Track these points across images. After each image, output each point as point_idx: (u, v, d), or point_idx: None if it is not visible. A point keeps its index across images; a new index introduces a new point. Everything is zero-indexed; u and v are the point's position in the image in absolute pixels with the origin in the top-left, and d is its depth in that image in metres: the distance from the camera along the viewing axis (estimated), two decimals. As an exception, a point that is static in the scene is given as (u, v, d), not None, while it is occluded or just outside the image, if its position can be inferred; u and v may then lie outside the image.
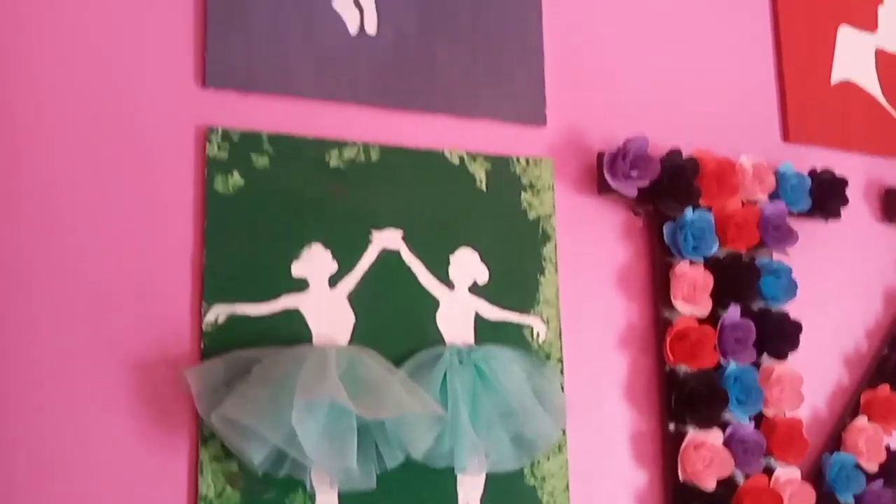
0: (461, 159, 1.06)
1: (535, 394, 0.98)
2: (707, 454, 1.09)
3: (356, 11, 1.02)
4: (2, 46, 0.85)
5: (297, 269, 0.94)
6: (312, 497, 0.89)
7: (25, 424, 0.80)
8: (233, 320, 0.90)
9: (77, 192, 0.86)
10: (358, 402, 0.81)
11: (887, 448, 1.27)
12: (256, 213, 0.93)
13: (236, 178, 0.92)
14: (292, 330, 0.92)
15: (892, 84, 1.46)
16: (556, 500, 1.03)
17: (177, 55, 0.92)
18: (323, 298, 0.94)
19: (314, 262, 0.95)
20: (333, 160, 0.98)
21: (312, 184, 0.96)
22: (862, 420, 1.27)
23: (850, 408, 1.30)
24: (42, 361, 0.82)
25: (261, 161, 0.94)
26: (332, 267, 0.96)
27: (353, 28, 1.02)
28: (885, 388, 1.30)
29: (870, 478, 1.24)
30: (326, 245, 0.96)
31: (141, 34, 0.91)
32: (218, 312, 0.89)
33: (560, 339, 1.08)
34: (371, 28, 1.02)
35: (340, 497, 0.90)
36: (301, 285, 0.94)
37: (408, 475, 0.92)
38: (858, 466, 1.23)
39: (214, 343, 0.88)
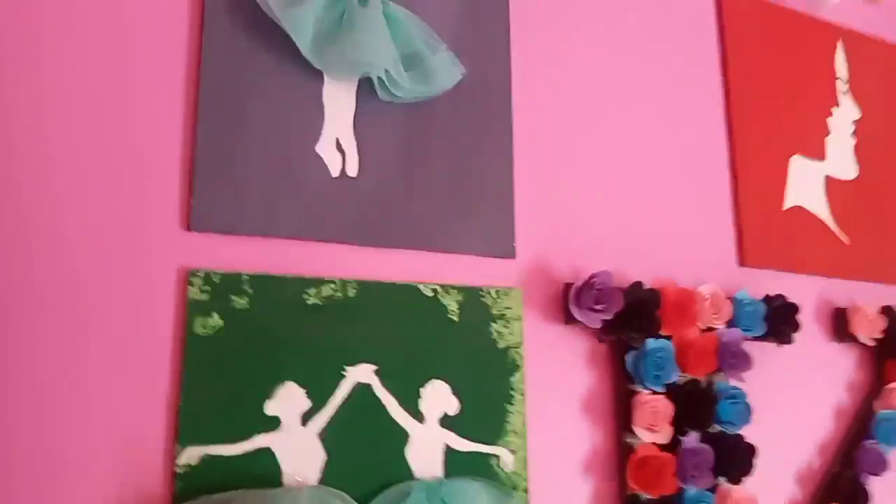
0: (434, 291, 1.10)
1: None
2: (667, 582, 1.12)
3: (338, 155, 1.07)
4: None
5: (271, 408, 0.96)
6: None
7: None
8: (206, 461, 0.91)
9: (59, 334, 0.88)
10: None
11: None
12: (233, 353, 0.95)
13: (215, 320, 0.95)
14: (264, 469, 0.94)
15: (840, 209, 1.56)
16: None
17: (163, 199, 0.96)
18: (294, 437, 0.96)
19: (287, 400, 0.97)
20: (311, 298, 1.01)
21: (290, 322, 0.99)
22: (815, 538, 1.31)
23: (804, 526, 1.35)
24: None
25: (240, 302, 0.97)
26: (305, 404, 0.98)
27: (334, 170, 1.06)
28: (835, 507, 1.35)
29: None
30: (301, 383, 0.98)
31: (129, 179, 0.95)
32: (191, 454, 0.90)
33: (526, 468, 1.11)
34: (352, 170, 1.07)
35: None
36: (274, 424, 0.96)
37: None
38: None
39: (187, 485, 0.89)
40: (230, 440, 0.93)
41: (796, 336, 1.37)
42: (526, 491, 1.10)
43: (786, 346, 1.38)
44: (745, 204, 1.44)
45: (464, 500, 1.01)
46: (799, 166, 1.53)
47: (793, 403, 1.40)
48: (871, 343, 1.48)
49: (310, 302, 1.01)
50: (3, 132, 0.89)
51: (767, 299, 1.36)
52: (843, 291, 1.52)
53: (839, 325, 1.49)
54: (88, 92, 0.94)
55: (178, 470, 0.90)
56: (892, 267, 1.60)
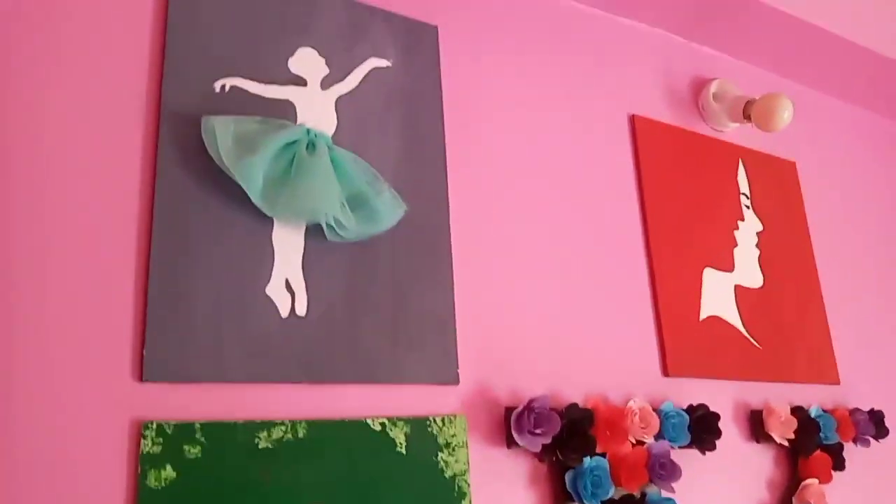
0: (383, 425, 1.14)
1: None
2: None
3: (288, 295, 1.11)
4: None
5: (224, 558, 0.96)
6: None
7: None
8: None
9: (8, 488, 0.87)
10: None
11: None
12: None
13: (168, 472, 0.96)
14: None
15: (750, 316, 1.70)
16: None
17: (115, 350, 0.97)
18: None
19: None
20: (262, 441, 1.03)
21: (242, 468, 1.01)
22: None
23: None
24: None
25: (193, 451, 0.98)
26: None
27: (284, 311, 1.10)
28: None
29: None
30: (252, 527, 0.99)
31: (83, 330, 0.96)
32: None
33: None
34: (301, 309, 1.12)
35: None
36: (227, 574, 0.96)
37: None
38: None
39: None
40: None
41: (718, 442, 1.47)
42: None
43: (710, 453, 1.47)
44: (666, 316, 1.55)
45: None
46: (711, 278, 1.67)
47: (719, 505, 1.49)
48: (784, 443, 1.59)
49: (261, 446, 1.03)
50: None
51: (690, 409, 1.46)
52: (758, 393, 1.65)
53: (755, 426, 1.60)
54: (41, 245, 0.96)
55: None
56: (797, 367, 1.74)
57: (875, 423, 1.79)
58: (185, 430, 0.98)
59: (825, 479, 1.62)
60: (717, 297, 1.66)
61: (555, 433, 1.24)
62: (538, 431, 1.22)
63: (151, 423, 0.96)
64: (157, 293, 1.01)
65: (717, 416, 1.47)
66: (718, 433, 1.46)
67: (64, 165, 1.01)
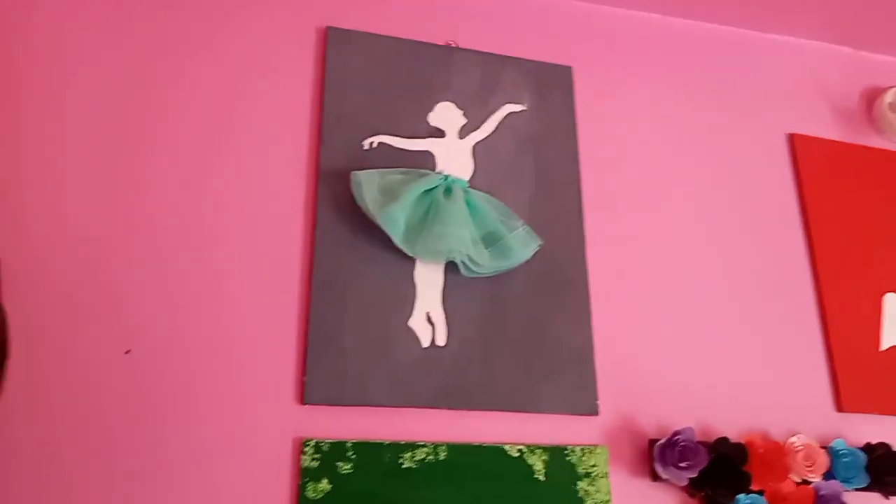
0: (520, 452, 1.18)
1: None
2: None
3: (429, 327, 1.21)
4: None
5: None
6: None
7: None
8: None
9: (190, 498, 1.04)
10: None
11: None
12: (339, 517, 1.07)
13: (324, 484, 1.08)
14: None
15: (946, 346, 1.51)
16: None
17: (281, 377, 1.13)
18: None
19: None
20: (406, 462, 1.12)
21: (388, 485, 1.10)
22: None
23: None
24: None
25: (345, 468, 1.09)
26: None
27: (425, 342, 1.20)
28: None
29: None
30: (399, 553, 1.08)
31: (251, 359, 1.13)
32: None
33: None
34: (441, 340, 1.21)
35: None
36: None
37: None
38: None
39: None
40: None
41: (905, 487, 1.32)
42: None
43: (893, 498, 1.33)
44: (839, 347, 1.43)
45: None
46: (894, 304, 1.51)
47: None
48: None
49: (405, 466, 1.12)
50: (146, 318, 1.11)
51: (868, 448, 1.33)
52: (958, 434, 1.45)
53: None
54: (215, 285, 1.15)
55: None
56: None
57: None
58: (338, 448, 1.10)
59: None
60: (901, 325, 1.50)
61: (702, 467, 1.20)
62: (683, 465, 1.19)
63: (311, 441, 1.09)
64: (316, 327, 1.16)
65: (901, 458, 1.32)
66: (904, 476, 1.31)
67: (244, 219, 1.20)
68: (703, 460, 1.20)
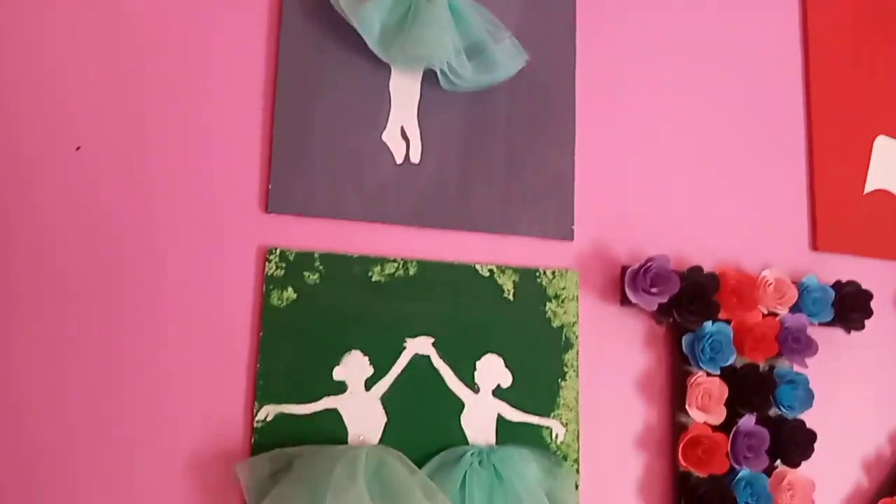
0: (491, 272, 1.16)
1: (547, 496, 1.08)
2: (715, 558, 1.16)
3: (403, 142, 1.15)
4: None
5: (338, 374, 1.07)
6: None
7: None
8: (280, 419, 1.03)
9: (151, 305, 1.01)
10: None
11: (903, 558, 1.30)
12: (305, 324, 1.06)
13: (290, 293, 1.06)
14: (331, 428, 1.05)
15: (930, 192, 1.49)
16: None
17: (244, 184, 1.07)
18: (359, 400, 1.07)
19: (353, 367, 1.07)
20: (376, 275, 1.10)
21: (356, 297, 1.09)
22: (879, 528, 1.30)
23: (867, 514, 1.33)
24: (99, 453, 0.97)
25: (312, 278, 1.07)
26: (369, 371, 1.08)
27: (399, 157, 1.14)
28: (903, 498, 1.32)
29: (881, 588, 1.27)
30: (365, 352, 1.08)
31: (214, 166, 1.07)
32: (268, 412, 1.02)
33: (577, 440, 1.17)
34: (415, 157, 1.15)
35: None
36: (341, 388, 1.06)
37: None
38: (872, 575, 1.26)
39: (263, 438, 1.02)
40: (302, 400, 1.04)
41: (868, 323, 1.34)
42: (577, 462, 1.16)
43: (858, 333, 1.35)
44: (822, 186, 1.40)
45: (514, 465, 1.08)
46: (884, 147, 1.47)
47: (861, 390, 1.37)
48: (955, 333, 1.41)
49: (374, 279, 1.10)
50: (102, 119, 1.03)
51: (837, 285, 1.33)
52: (928, 278, 1.46)
53: (919, 312, 1.44)
54: (178, 89, 1.06)
55: (257, 425, 1.02)
56: None
57: None
58: (305, 258, 1.07)
59: None
60: (889, 168, 1.47)
61: (673, 293, 1.19)
62: (654, 290, 1.19)
63: (276, 249, 1.06)
64: (281, 133, 1.09)
65: (868, 295, 1.33)
66: (870, 313, 1.33)
67: (203, 17, 1.09)
68: (674, 287, 1.19)
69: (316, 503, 0.93)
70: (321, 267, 1.08)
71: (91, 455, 0.97)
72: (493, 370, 1.14)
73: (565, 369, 1.18)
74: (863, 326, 1.34)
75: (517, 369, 1.15)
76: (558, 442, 1.16)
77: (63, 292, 0.98)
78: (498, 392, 1.14)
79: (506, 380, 1.15)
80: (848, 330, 1.34)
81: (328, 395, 1.06)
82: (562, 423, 1.16)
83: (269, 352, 1.04)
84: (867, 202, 1.44)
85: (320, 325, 1.07)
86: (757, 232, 1.35)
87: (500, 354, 1.15)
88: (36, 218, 0.99)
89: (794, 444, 1.24)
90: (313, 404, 1.05)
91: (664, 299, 1.19)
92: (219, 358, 1.03)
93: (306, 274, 1.07)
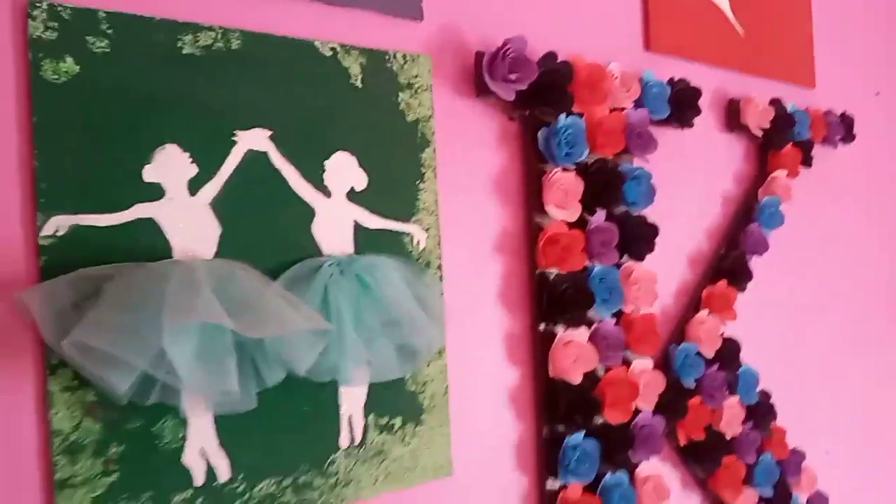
0: (334, 51, 0.96)
1: (417, 302, 0.96)
2: (574, 351, 1.14)
3: None
4: None
5: (150, 174, 0.82)
6: (184, 422, 0.82)
7: None
8: (76, 233, 0.77)
9: None
10: (237, 321, 0.74)
11: (722, 336, 1.41)
12: (97, 106, 0.78)
13: (69, 65, 0.77)
14: (147, 243, 0.81)
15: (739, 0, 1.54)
16: (435, 403, 1.04)
17: None
18: (182, 207, 0.84)
19: (170, 165, 0.83)
20: (187, 47, 0.85)
21: (163, 74, 0.83)
22: (703, 313, 1.39)
23: (693, 302, 1.42)
24: None
25: (98, 45, 0.79)
26: (192, 171, 0.85)
27: None
28: (722, 284, 1.43)
29: (708, 363, 1.37)
30: (184, 146, 0.84)
31: None
32: (58, 224, 0.76)
33: (439, 246, 1.05)
34: None
35: (216, 418, 0.84)
36: (155, 192, 0.82)
37: (288, 389, 0.86)
38: (699, 354, 1.36)
39: (55, 261, 0.75)
40: (103, 210, 0.79)
41: (696, 120, 1.37)
42: (439, 269, 1.05)
43: (685, 133, 1.38)
44: (654, -14, 1.37)
45: (379, 274, 0.94)
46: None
47: (686, 189, 1.43)
48: (759, 133, 1.51)
49: (185, 51, 0.85)
50: None
51: (672, 83, 1.34)
52: (737, 84, 1.54)
53: (731, 115, 1.51)
54: None
55: (43, 242, 0.75)
56: (776, 63, 1.63)
57: (845, 127, 1.74)
58: (86, 17, 0.78)
59: (793, 174, 1.58)
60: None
61: (531, 80, 1.09)
62: (512, 77, 1.07)
63: (40, 3, 0.76)
64: None
65: (698, 92, 1.36)
66: (698, 110, 1.36)
67: None
68: (532, 73, 1.09)
69: (145, 327, 0.71)
70: (110, 31, 0.80)
71: None
72: (345, 170, 0.97)
73: (423, 170, 1.05)
74: (693, 124, 1.37)
75: (372, 170, 0.99)
76: (419, 249, 1.04)
77: None
78: (352, 195, 0.98)
79: (360, 181, 0.98)
80: (681, 127, 1.36)
81: (139, 201, 0.81)
82: (422, 229, 1.04)
83: (49, 144, 0.76)
84: (692, 7, 1.44)
85: (118, 109, 0.80)
86: (595, 29, 1.29)
87: (351, 152, 0.97)
88: None
89: (640, 238, 1.25)
90: (120, 214, 0.80)
91: (523, 86, 1.09)
92: (-29, 152, 0.73)
93: (90, 39, 0.78)
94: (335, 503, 0.94)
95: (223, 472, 0.85)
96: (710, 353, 1.38)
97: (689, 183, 1.44)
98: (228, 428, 0.85)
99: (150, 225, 0.82)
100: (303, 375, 0.84)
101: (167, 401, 0.77)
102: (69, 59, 0.77)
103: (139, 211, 0.81)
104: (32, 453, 0.74)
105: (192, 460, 0.83)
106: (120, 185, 0.80)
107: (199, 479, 0.83)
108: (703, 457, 1.38)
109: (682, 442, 1.36)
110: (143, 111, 0.82)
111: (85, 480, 0.76)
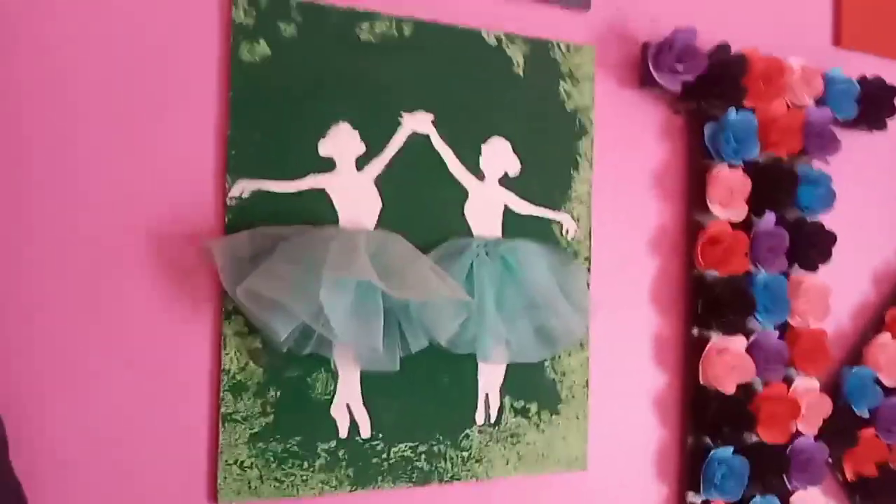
0: (499, 40, 0.99)
1: (560, 289, 0.96)
2: (729, 359, 1.08)
3: None
4: None
5: (325, 149, 0.90)
6: (335, 376, 0.89)
7: (48, 297, 0.78)
8: (258, 196, 0.86)
9: (94, 57, 0.81)
10: (387, 283, 0.79)
11: (907, 365, 1.26)
12: (283, 85, 0.88)
13: (263, 47, 0.87)
14: (317, 210, 0.89)
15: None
16: (574, 394, 1.03)
17: None
18: (350, 180, 0.91)
19: (341, 141, 0.90)
20: (364, 33, 0.92)
21: (341, 58, 0.91)
22: (885, 336, 1.25)
23: (874, 323, 1.28)
24: (65, 233, 0.79)
25: (288, 30, 0.88)
26: (360, 148, 0.92)
27: None
28: (911, 307, 1.28)
29: (887, 392, 1.24)
30: (354, 125, 0.91)
31: None
32: (243, 187, 0.86)
33: (590, 237, 1.05)
34: None
35: (362, 378, 0.90)
36: (328, 165, 0.90)
37: (430, 360, 0.91)
38: (877, 381, 1.23)
39: (238, 218, 0.85)
40: (283, 177, 0.88)
41: (890, 122, 1.24)
42: (588, 261, 1.05)
43: (876, 135, 1.26)
44: (849, -22, 1.26)
45: (523, 258, 0.95)
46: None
47: (876, 197, 1.30)
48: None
49: (362, 38, 0.92)
50: None
51: (863, 80, 1.22)
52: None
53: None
54: None
55: (230, 202, 0.85)
56: None
57: None
58: (279, 6, 0.87)
59: None
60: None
61: (700, 72, 1.06)
62: (679, 68, 1.04)
63: (243, -9, 0.86)
64: None
65: (894, 91, 1.23)
66: (893, 110, 1.23)
67: None
68: (701, 64, 1.05)
69: (309, 281, 0.79)
70: (299, 18, 0.89)
71: (52, 233, 0.78)
72: (500, 155, 1.00)
73: (578, 159, 1.05)
74: (885, 126, 1.25)
75: (526, 156, 1.01)
76: (569, 238, 1.04)
77: None
78: (505, 181, 1.00)
79: (514, 167, 1.01)
80: (870, 129, 1.24)
81: (314, 172, 0.89)
82: (573, 218, 1.04)
83: (241, 116, 0.86)
84: (893, 1, 1.32)
85: (301, 88, 0.89)
86: (780, 17, 1.22)
87: (508, 138, 1.00)
88: None
89: (813, 246, 1.16)
90: (296, 182, 0.88)
91: (690, 78, 1.05)
92: (182, 122, 0.84)
93: (281, 25, 0.88)
94: (466, 478, 0.96)
95: (365, 429, 0.90)
96: (890, 382, 1.24)
97: (878, 191, 1.31)
98: (373, 389, 0.91)
99: (321, 195, 0.90)
100: (444, 345, 0.88)
101: (321, 352, 0.84)
102: (263, 42, 0.87)
103: (312, 181, 0.89)
104: (205, 388, 0.84)
105: (339, 413, 0.89)
106: (298, 156, 0.89)
107: (343, 431, 0.89)
108: (873, 495, 1.24)
109: (850, 477, 1.23)
110: (322, 91, 0.90)
111: (245, 417, 0.85)
